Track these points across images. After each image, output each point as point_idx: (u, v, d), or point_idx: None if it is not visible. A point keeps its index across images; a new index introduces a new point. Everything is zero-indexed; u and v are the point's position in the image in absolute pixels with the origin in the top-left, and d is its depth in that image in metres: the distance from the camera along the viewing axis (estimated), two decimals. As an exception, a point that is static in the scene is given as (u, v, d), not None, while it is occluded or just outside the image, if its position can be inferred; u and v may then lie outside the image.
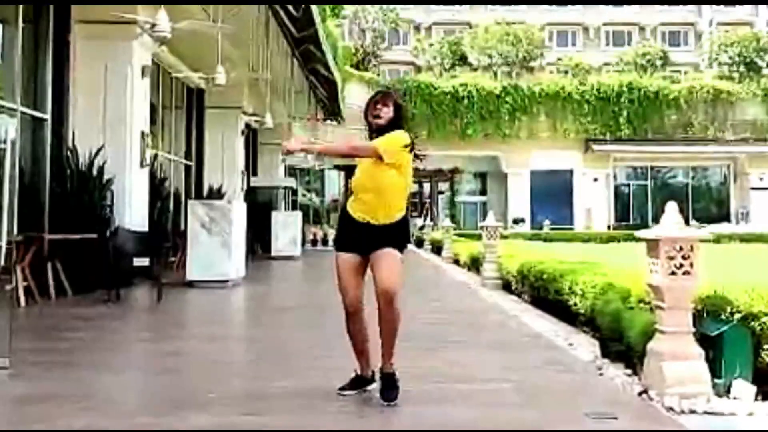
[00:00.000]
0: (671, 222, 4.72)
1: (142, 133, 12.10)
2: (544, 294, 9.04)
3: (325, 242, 30.74)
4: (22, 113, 10.50)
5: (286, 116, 22.72)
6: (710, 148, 38.13)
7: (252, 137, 23.24)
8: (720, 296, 5.04)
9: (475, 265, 14.89)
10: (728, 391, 4.70)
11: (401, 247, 4.52)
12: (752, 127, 38.37)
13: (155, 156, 14.45)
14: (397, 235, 4.49)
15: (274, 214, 20.58)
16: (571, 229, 36.38)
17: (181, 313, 9.43)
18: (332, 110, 25.32)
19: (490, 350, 6.25)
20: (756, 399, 4.65)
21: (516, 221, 37.36)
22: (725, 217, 38.84)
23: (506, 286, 11.63)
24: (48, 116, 11.14)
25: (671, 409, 4.37)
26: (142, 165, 12.11)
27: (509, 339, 6.80)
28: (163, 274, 10.36)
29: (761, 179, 38.63)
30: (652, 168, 40.35)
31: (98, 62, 11.52)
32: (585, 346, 6.48)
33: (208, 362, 5.70)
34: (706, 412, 4.38)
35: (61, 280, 9.97)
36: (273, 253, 19.53)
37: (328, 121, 26.96)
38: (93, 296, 9.90)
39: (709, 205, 40.47)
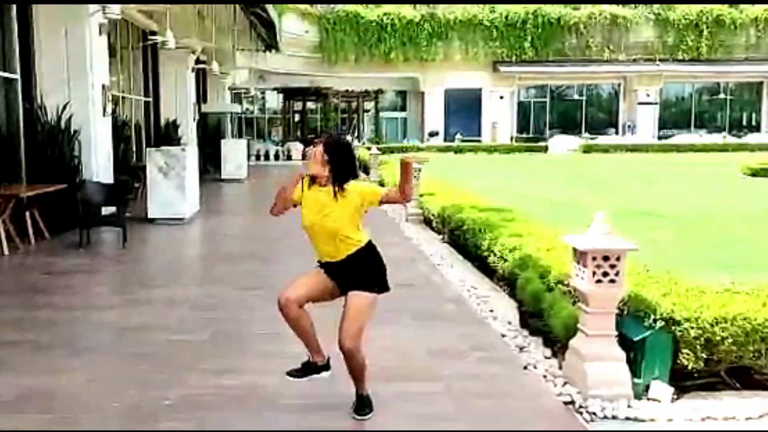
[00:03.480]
0: (599, 231, 4.26)
1: (103, 86, 11.88)
2: (463, 243, 8.83)
3: (267, 157, 31.46)
4: (-6, 76, 10.23)
5: (230, 48, 22.35)
6: (604, 68, 38.22)
7: (202, 72, 22.74)
8: (642, 299, 4.61)
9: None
10: (646, 391, 4.39)
11: (377, 285, 3.73)
12: (643, 48, 38.39)
13: (117, 99, 14.16)
14: (368, 268, 3.73)
15: (223, 142, 20.56)
16: (479, 140, 36.98)
17: (143, 262, 9.20)
18: (270, 43, 24.95)
19: (416, 324, 5.84)
20: (673, 400, 4.35)
21: (431, 134, 37.72)
22: (614, 126, 39.96)
23: (428, 222, 11.52)
24: (18, 76, 10.84)
25: (594, 414, 4.12)
26: (104, 114, 11.94)
27: (433, 306, 6.49)
28: (126, 210, 10.26)
29: (648, 95, 39.34)
30: (551, 86, 40.83)
31: (59, 24, 11.10)
32: (504, 313, 6.21)
33: (168, 343, 5.30)
34: (627, 418, 4.11)
35: (39, 225, 10.01)
36: (223, 176, 19.67)
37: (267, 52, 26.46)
38: (67, 238, 9.97)
39: (599, 117, 41.27)
